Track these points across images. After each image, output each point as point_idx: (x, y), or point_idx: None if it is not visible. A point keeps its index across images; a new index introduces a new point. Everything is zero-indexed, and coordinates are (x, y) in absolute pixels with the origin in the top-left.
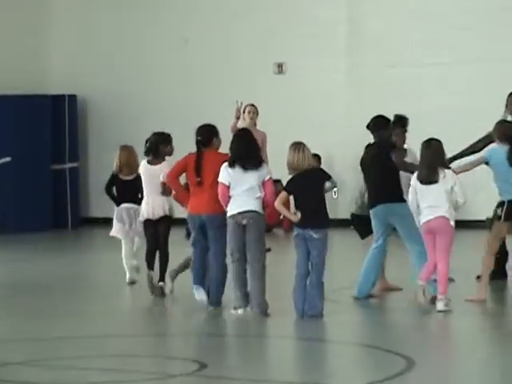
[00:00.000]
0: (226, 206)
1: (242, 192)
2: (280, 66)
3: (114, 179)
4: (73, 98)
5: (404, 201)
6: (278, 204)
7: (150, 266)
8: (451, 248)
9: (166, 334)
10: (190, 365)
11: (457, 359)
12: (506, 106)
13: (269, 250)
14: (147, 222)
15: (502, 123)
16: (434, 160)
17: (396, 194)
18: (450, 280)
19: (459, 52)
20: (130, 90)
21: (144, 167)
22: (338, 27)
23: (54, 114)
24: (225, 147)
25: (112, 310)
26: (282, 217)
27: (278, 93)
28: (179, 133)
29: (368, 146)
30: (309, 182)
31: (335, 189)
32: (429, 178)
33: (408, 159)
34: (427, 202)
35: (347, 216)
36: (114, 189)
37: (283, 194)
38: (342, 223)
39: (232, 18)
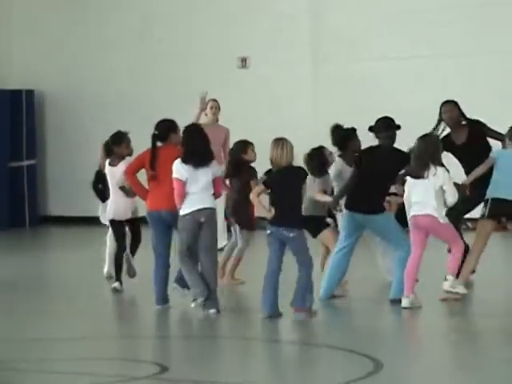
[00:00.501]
0: (181, 203)
1: (199, 189)
2: (244, 60)
3: (99, 175)
4: (30, 93)
5: (384, 209)
6: (253, 197)
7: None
8: (456, 234)
9: (128, 335)
10: (152, 367)
11: (426, 360)
12: None
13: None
14: (114, 223)
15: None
16: (424, 154)
17: (381, 206)
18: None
19: (434, 46)
20: (90, 86)
21: (107, 168)
22: (302, 20)
23: (11, 110)
24: None
25: (75, 311)
26: None
27: (242, 87)
28: (140, 129)
29: (371, 148)
30: (286, 179)
31: None
32: (417, 173)
33: None
34: (415, 197)
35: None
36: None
37: (260, 187)
38: None
39: (193, 11)
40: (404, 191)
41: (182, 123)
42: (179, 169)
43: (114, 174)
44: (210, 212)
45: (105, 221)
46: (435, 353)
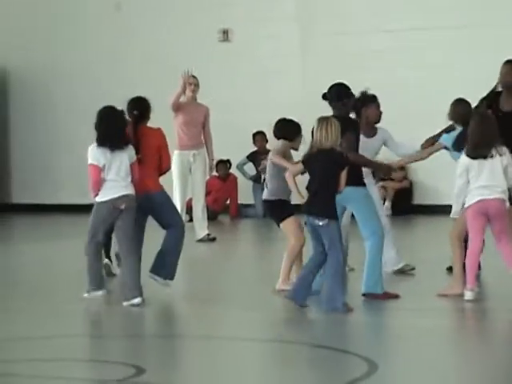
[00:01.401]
0: (98, 189)
1: (116, 175)
2: (225, 32)
3: None
4: None
5: (363, 184)
6: (289, 176)
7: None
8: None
9: (102, 335)
10: (127, 369)
11: (422, 361)
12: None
13: (213, 239)
14: None
15: (458, 102)
16: (489, 131)
17: (353, 177)
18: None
19: (432, 17)
20: (60, 62)
21: None
22: None
23: None
24: (160, 123)
25: (45, 308)
26: (228, 202)
27: (224, 62)
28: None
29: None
30: (325, 162)
31: None
32: (482, 152)
33: (376, 140)
34: (482, 180)
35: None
36: None
37: (300, 165)
38: None
39: None
40: (402, 177)
41: (161, 102)
42: (95, 154)
43: None
44: (131, 198)
45: None
46: (433, 353)
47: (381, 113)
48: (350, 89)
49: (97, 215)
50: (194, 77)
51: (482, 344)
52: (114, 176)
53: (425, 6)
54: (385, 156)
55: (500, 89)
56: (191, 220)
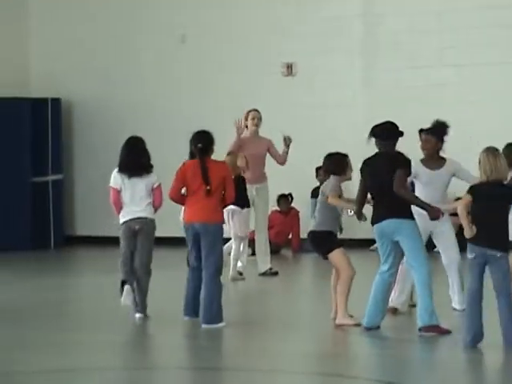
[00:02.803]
0: (119, 211)
1: (131, 199)
2: (289, 66)
3: None
4: (56, 101)
5: (413, 218)
6: (461, 210)
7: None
8: None
9: (150, 367)
10: None
11: None
12: None
13: (276, 273)
14: None
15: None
16: None
17: (402, 210)
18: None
19: (502, 53)
20: (120, 93)
21: None
22: (353, 25)
23: (35, 120)
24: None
25: (98, 340)
26: (290, 236)
27: (287, 96)
28: (170, 138)
29: (374, 157)
30: (496, 193)
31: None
32: None
33: (442, 172)
34: None
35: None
36: None
37: (467, 198)
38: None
39: (232, 11)
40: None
41: (218, 135)
42: (114, 177)
43: None
44: (145, 221)
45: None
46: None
47: (438, 146)
48: (397, 127)
49: (121, 237)
50: (256, 110)
51: None
52: (129, 200)
53: (504, 39)
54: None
55: None
56: (254, 253)
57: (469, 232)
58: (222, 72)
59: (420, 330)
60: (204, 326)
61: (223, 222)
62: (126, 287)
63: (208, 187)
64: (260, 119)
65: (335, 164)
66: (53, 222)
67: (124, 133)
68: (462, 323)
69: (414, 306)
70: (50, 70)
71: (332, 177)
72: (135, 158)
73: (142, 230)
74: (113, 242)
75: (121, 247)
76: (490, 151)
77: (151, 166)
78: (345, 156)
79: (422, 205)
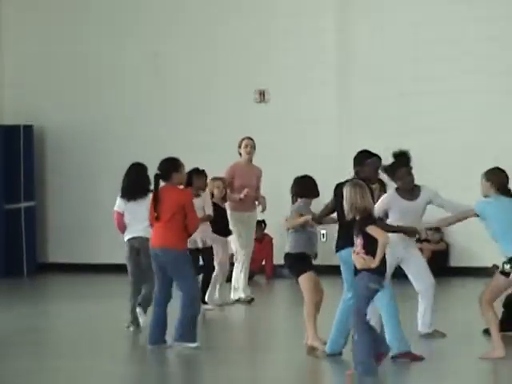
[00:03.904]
0: (121, 231)
1: (133, 219)
2: (262, 93)
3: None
4: (29, 128)
5: None
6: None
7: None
8: None
9: None
10: None
11: None
12: None
13: (251, 300)
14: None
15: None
16: None
17: None
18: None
19: (477, 80)
20: (94, 120)
21: None
22: (326, 55)
23: (6, 147)
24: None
25: (76, 368)
26: (263, 262)
27: (262, 123)
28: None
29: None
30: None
31: (323, 231)
32: None
33: (419, 202)
34: None
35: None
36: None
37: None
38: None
39: (209, 40)
40: (439, 239)
41: (194, 161)
42: (118, 202)
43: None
44: (143, 240)
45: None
46: None
47: (411, 177)
48: (372, 155)
49: (126, 255)
50: (250, 138)
51: None
52: (130, 221)
53: (478, 68)
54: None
55: None
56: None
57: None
58: (196, 99)
59: (393, 358)
60: (175, 343)
61: (184, 248)
62: (138, 310)
63: (155, 214)
64: (253, 147)
65: (302, 186)
66: (25, 250)
67: (98, 158)
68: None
69: None
70: (22, 97)
71: (299, 200)
72: (133, 184)
73: (141, 247)
74: (86, 268)
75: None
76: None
77: (148, 190)
78: (311, 178)
79: (398, 229)
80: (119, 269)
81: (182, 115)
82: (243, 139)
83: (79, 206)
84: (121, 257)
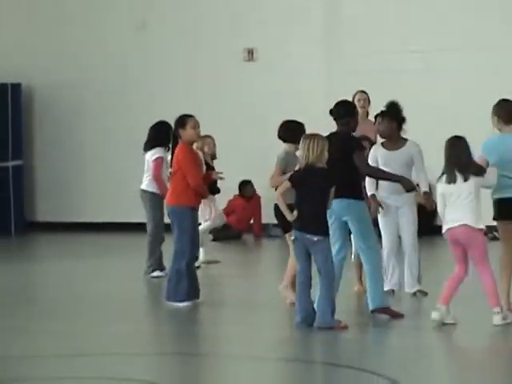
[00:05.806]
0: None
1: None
2: (250, 52)
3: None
4: (17, 86)
5: (362, 198)
6: (278, 194)
7: None
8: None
9: (118, 352)
10: None
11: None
12: None
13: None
14: None
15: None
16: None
17: (353, 190)
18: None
19: (459, 38)
20: (84, 78)
21: None
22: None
23: None
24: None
25: (61, 327)
26: (251, 221)
27: (248, 83)
28: (137, 126)
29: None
30: (311, 178)
31: None
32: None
33: (400, 154)
34: None
35: None
36: None
37: (286, 183)
38: None
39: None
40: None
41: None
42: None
43: None
44: (141, 192)
45: None
46: (456, 373)
47: (392, 126)
48: (354, 107)
49: None
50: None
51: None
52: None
53: (462, 26)
54: None
55: None
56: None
57: (288, 217)
58: (182, 57)
59: (373, 312)
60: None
61: (190, 205)
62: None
63: (171, 170)
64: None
65: (285, 130)
66: (13, 208)
67: (86, 118)
68: None
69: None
70: (10, 54)
71: (287, 145)
72: (147, 137)
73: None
74: (74, 227)
75: None
76: (309, 136)
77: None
78: (300, 124)
79: (395, 178)
80: (107, 227)
81: (168, 74)
82: (356, 93)
83: (67, 165)
84: (108, 215)
